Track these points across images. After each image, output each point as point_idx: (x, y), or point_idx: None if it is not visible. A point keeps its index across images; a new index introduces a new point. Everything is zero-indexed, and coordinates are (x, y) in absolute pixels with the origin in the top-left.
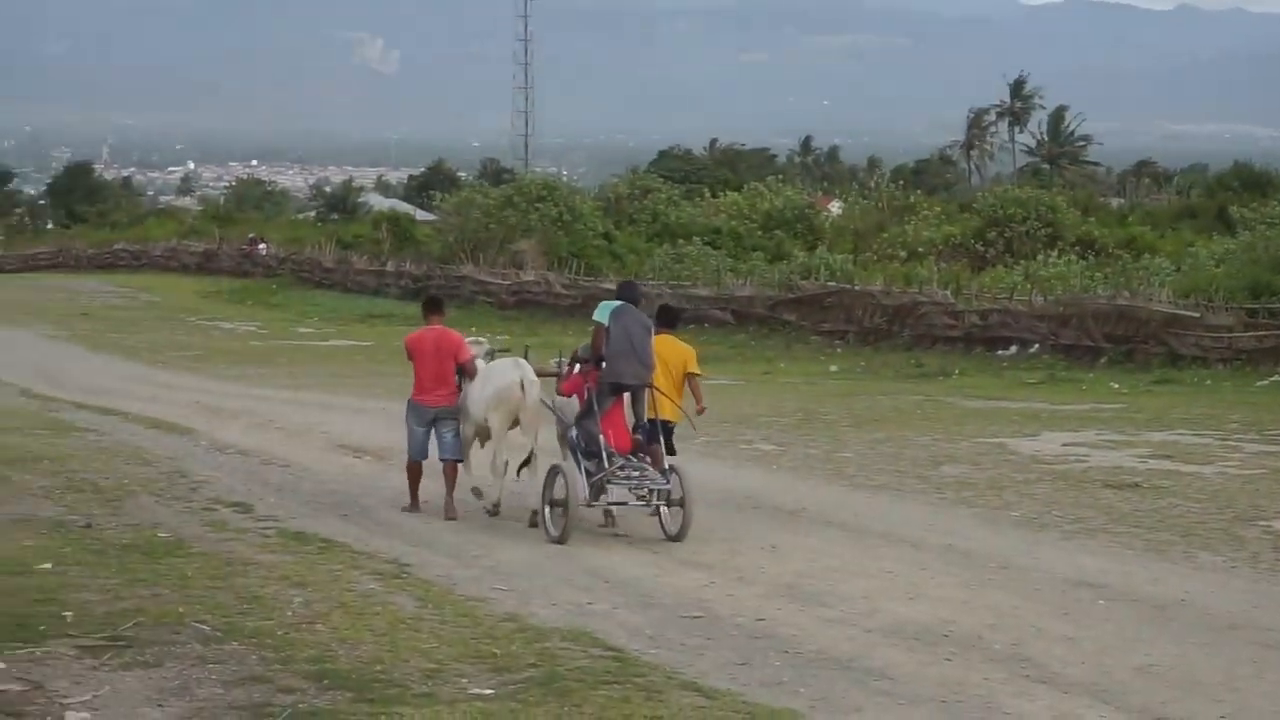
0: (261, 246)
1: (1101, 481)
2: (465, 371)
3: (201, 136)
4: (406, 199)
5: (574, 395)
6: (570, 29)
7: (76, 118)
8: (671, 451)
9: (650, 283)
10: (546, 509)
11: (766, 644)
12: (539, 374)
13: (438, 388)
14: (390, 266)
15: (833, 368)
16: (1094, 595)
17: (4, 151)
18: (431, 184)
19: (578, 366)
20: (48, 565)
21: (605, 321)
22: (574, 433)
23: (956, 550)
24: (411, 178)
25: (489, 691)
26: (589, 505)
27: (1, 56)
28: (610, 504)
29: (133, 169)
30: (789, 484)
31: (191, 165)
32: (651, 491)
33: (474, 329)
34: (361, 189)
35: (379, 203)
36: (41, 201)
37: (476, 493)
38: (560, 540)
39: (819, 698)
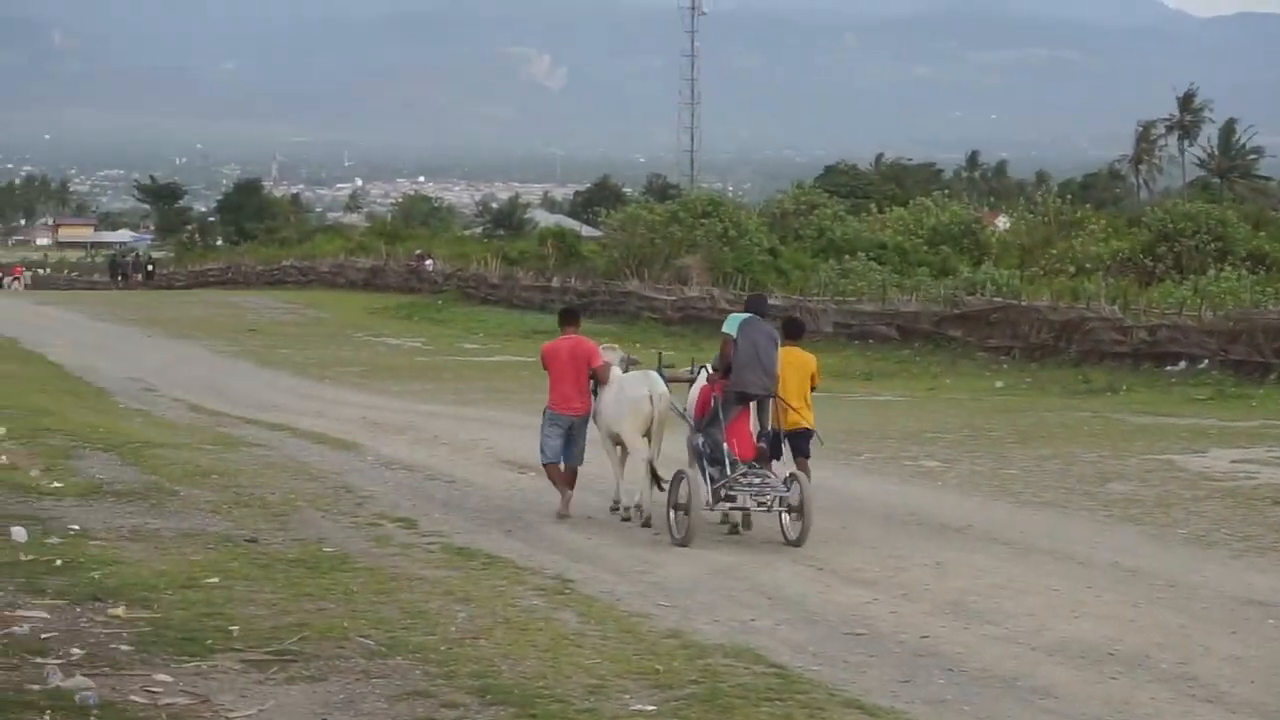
0: (428, 262)
1: (1271, 499)
2: (598, 377)
3: (369, 153)
4: (572, 215)
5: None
6: (737, 44)
7: (246, 135)
8: (806, 455)
9: (815, 299)
10: (671, 513)
11: (930, 661)
12: (673, 380)
13: (573, 396)
14: (555, 282)
15: (998, 384)
16: (1263, 614)
17: (175, 169)
18: (597, 200)
19: (703, 374)
20: (215, 579)
21: (733, 333)
22: (700, 439)
23: (1123, 568)
24: (577, 193)
25: (651, 708)
26: (710, 509)
27: (173, 74)
28: (731, 509)
29: (301, 186)
30: (954, 501)
31: (359, 182)
32: (772, 498)
33: (606, 339)
34: (527, 205)
35: (545, 219)
36: (211, 218)
37: (615, 505)
38: (683, 543)
39: (983, 716)
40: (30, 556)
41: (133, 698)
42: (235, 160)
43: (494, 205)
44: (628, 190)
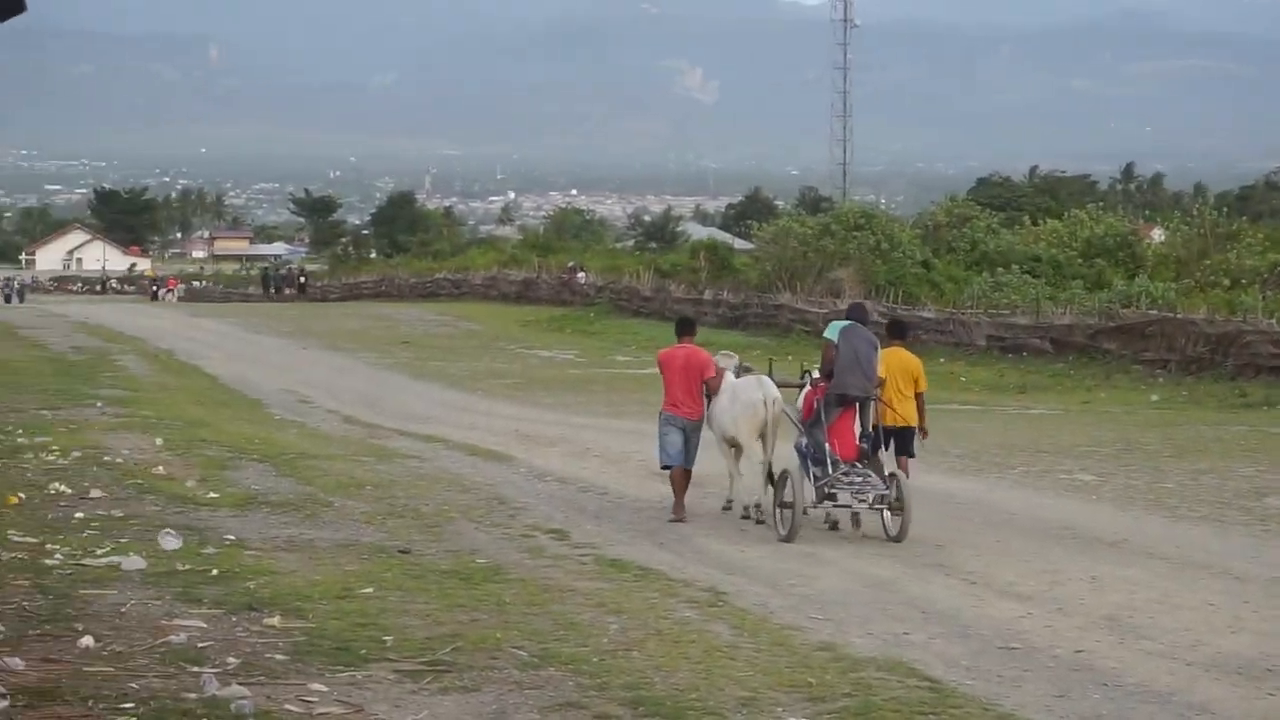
0: (580, 275)
1: None
2: (709, 388)
3: (522, 166)
4: (724, 227)
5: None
6: (890, 56)
7: (400, 149)
8: (910, 454)
9: (968, 312)
10: (777, 510)
11: (1085, 676)
12: (782, 385)
13: (686, 401)
14: (707, 295)
15: (1153, 397)
16: None
17: (330, 182)
18: (749, 213)
19: (808, 380)
20: (369, 590)
21: (834, 339)
22: (804, 441)
23: None
24: (729, 206)
25: None
26: (814, 507)
27: (328, 89)
28: (834, 507)
29: (454, 199)
30: (1109, 515)
31: (512, 195)
32: (873, 496)
33: (720, 350)
34: (680, 218)
35: (697, 231)
36: (365, 231)
37: (728, 505)
38: (788, 539)
39: None
40: (187, 566)
41: (288, 707)
42: (389, 174)
43: (646, 218)
44: (780, 203)
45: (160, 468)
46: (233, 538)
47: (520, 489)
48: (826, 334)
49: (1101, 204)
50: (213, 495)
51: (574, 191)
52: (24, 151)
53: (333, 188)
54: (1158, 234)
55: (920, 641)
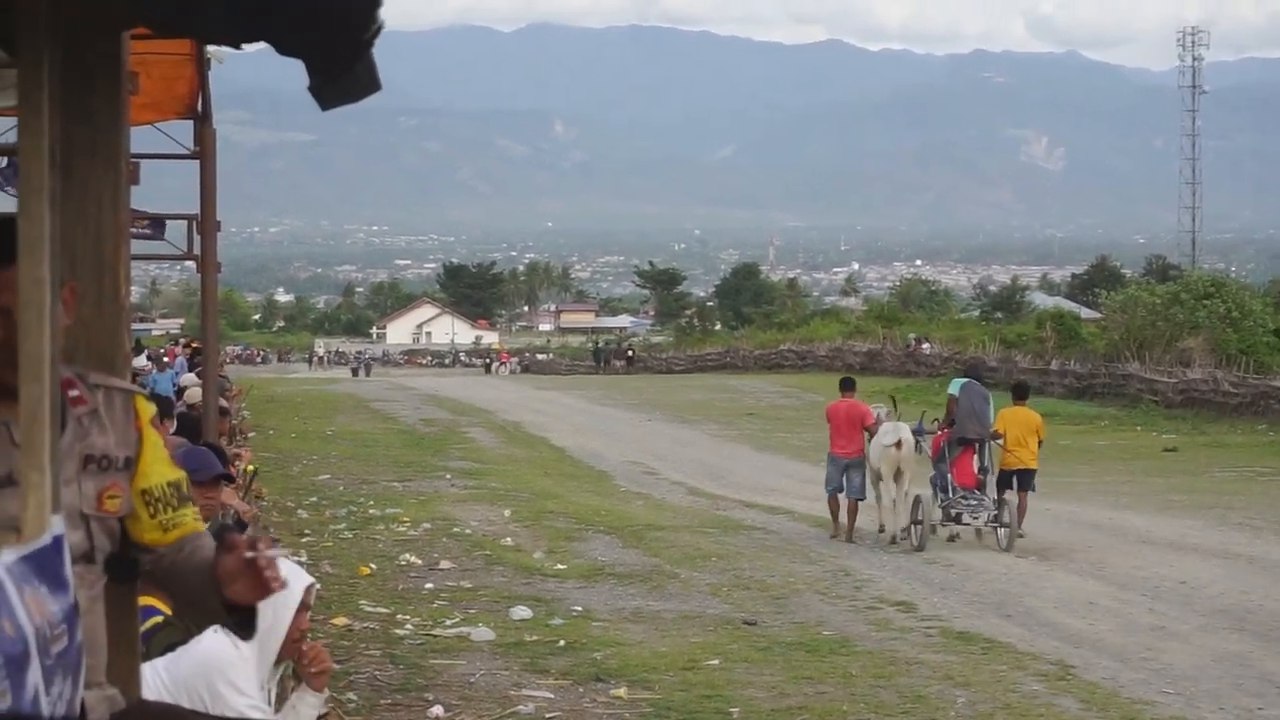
0: (925, 346)
1: None
2: (870, 431)
3: (866, 236)
4: (1070, 296)
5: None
6: (1239, 121)
7: (743, 221)
8: (1029, 489)
9: None
10: (912, 527)
11: None
12: (929, 433)
13: (848, 444)
14: (1054, 365)
15: None
16: None
17: (674, 254)
18: (1095, 281)
19: (935, 424)
20: (715, 661)
21: (955, 393)
22: (933, 474)
23: None
24: (1075, 276)
25: None
26: (941, 525)
27: (671, 163)
28: (954, 523)
29: (798, 270)
30: None
31: (856, 266)
32: (985, 516)
33: (880, 401)
34: (1026, 287)
35: (1042, 301)
36: (709, 303)
37: (881, 529)
38: (919, 548)
39: None
40: (535, 637)
41: None
42: (733, 245)
43: (991, 288)
44: (1126, 271)
45: (508, 539)
46: (580, 609)
47: (866, 560)
48: (949, 389)
49: None
50: (560, 567)
51: (919, 262)
52: (375, 227)
53: (677, 260)
54: None
55: (1274, 717)
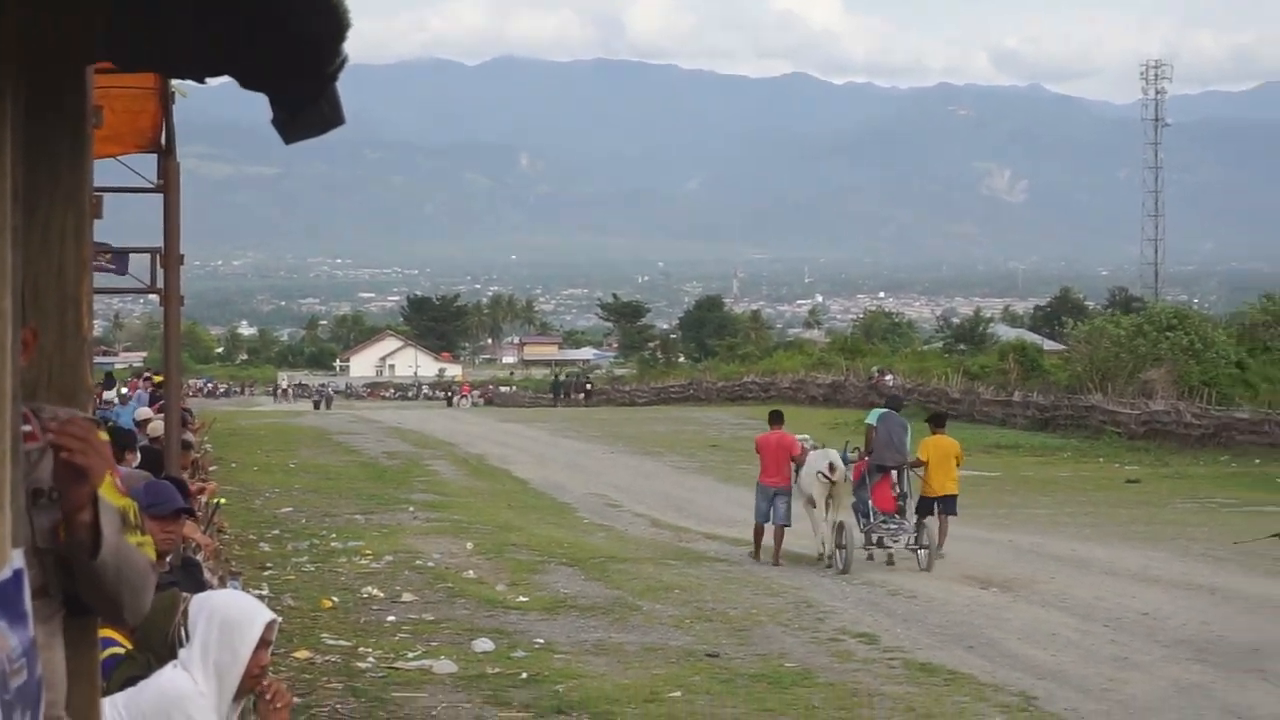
0: (888, 378)
1: None
2: (796, 462)
3: (829, 269)
4: (1033, 328)
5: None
6: (1201, 155)
7: (707, 253)
8: (952, 513)
9: None
10: (837, 551)
11: None
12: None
13: (777, 474)
14: (1017, 397)
15: None
16: None
17: (638, 287)
18: (1059, 313)
19: (855, 453)
20: (677, 693)
21: (874, 423)
22: (854, 500)
23: None
24: (1038, 308)
25: None
26: (863, 548)
27: (635, 195)
28: (875, 547)
29: (762, 302)
30: None
31: (819, 298)
32: (905, 539)
33: (807, 436)
34: (989, 319)
35: (1005, 333)
36: (673, 335)
37: (820, 556)
38: (844, 571)
39: None
40: (497, 669)
41: None
42: (696, 278)
43: (954, 320)
44: (1089, 304)
45: (471, 571)
46: (542, 641)
47: (829, 592)
48: (868, 419)
49: None
50: (522, 599)
51: (882, 294)
52: (339, 260)
53: (640, 292)
54: None
55: None
